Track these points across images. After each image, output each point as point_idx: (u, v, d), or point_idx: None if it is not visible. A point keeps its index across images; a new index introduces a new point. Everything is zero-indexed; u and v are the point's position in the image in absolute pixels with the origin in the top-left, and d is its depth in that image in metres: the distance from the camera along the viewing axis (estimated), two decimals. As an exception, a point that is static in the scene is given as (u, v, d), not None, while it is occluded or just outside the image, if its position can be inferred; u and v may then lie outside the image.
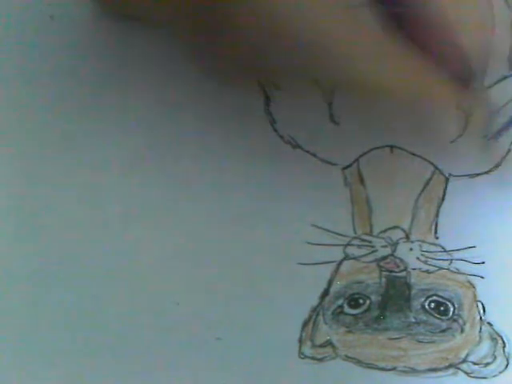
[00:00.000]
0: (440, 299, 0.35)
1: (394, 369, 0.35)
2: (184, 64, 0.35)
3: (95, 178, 0.36)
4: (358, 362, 0.35)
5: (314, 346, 0.35)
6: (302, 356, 0.35)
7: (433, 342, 0.35)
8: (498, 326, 0.35)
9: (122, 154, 0.36)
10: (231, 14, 0.28)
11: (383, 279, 0.35)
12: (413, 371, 0.35)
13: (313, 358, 0.35)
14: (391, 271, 0.35)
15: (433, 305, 0.35)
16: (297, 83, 0.35)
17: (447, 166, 0.35)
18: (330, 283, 0.35)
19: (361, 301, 0.35)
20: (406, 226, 0.35)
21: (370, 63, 0.29)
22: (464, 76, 0.30)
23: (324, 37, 0.28)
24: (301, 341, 0.35)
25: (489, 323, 0.35)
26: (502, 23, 0.33)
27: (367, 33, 0.28)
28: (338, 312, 0.35)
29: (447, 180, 0.36)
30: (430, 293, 0.35)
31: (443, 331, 0.35)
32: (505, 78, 0.34)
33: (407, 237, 0.35)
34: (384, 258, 0.35)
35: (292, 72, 0.31)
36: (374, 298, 0.35)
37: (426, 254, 0.35)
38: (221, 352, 0.35)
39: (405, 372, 0.35)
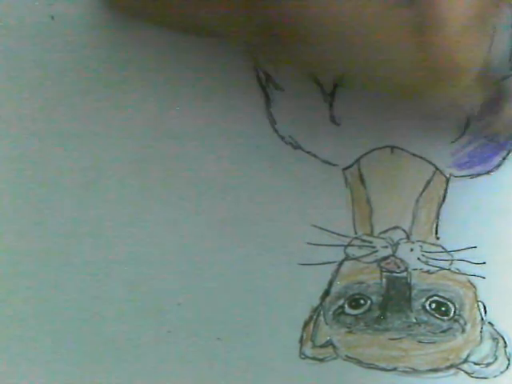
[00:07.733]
0: (441, 299, 0.35)
1: (394, 369, 0.35)
2: (185, 64, 0.36)
3: (96, 177, 0.36)
4: (359, 363, 0.35)
5: (314, 346, 0.35)
6: (303, 356, 0.35)
7: (434, 342, 0.35)
8: (499, 326, 0.35)
9: (123, 154, 0.36)
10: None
11: (384, 280, 0.35)
12: (414, 371, 0.35)
13: (313, 359, 0.35)
14: (392, 272, 0.35)
15: (434, 305, 0.35)
16: (298, 83, 0.35)
17: (448, 166, 0.35)
18: (330, 284, 0.35)
19: (361, 301, 0.35)
20: (406, 226, 0.35)
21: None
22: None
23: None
24: (301, 341, 0.35)
25: (490, 323, 0.35)
26: (502, 23, 0.33)
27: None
28: (339, 312, 0.35)
29: (448, 180, 0.35)
30: (431, 293, 0.35)
31: (444, 331, 0.35)
32: (505, 78, 0.34)
33: (408, 237, 0.35)
34: (385, 258, 0.35)
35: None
36: (374, 298, 0.35)
37: (426, 254, 0.35)
38: (221, 352, 0.35)
39: (406, 372, 0.35)
